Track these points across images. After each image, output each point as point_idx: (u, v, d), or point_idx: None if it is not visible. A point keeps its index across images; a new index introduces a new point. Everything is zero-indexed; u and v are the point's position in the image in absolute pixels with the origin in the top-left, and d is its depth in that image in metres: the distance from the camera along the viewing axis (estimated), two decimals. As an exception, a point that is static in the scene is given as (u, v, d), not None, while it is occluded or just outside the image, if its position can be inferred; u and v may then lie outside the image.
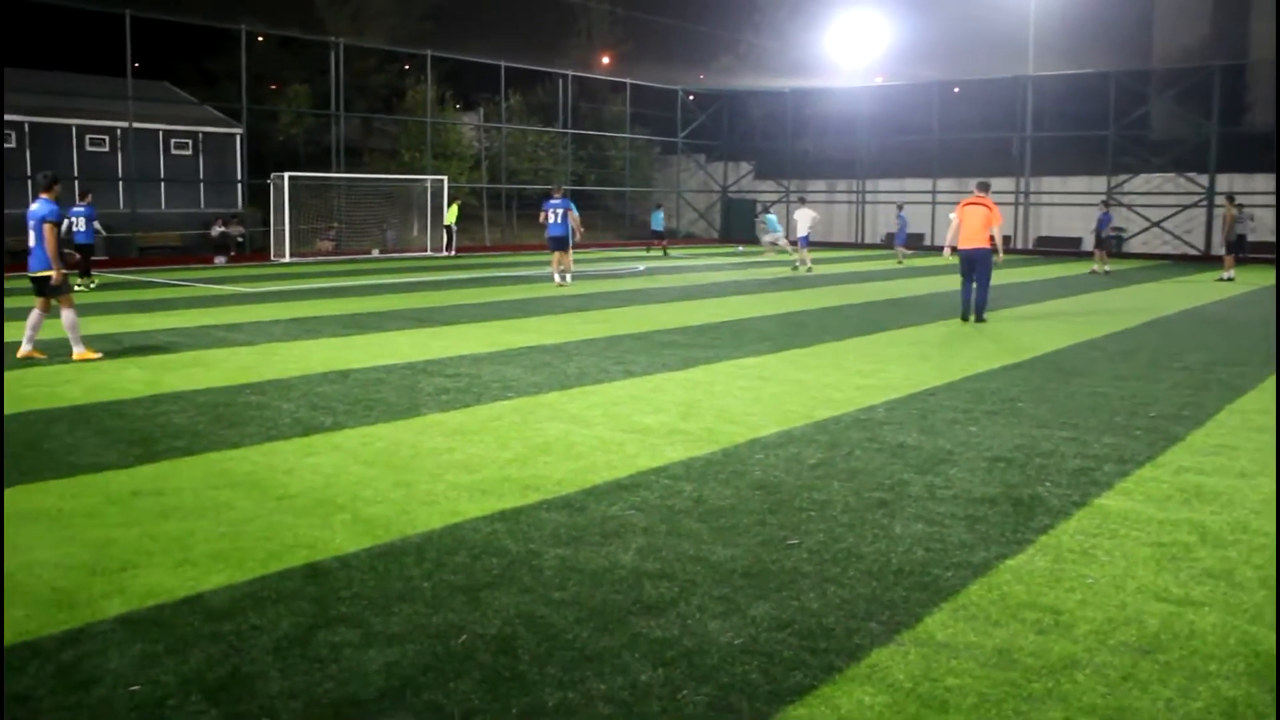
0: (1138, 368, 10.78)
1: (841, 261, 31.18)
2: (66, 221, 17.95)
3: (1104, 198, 31.20)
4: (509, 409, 8.39)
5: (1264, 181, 33.64)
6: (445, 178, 34.81)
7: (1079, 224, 35.83)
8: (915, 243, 37.45)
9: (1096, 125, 37.10)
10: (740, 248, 37.84)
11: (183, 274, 24.34)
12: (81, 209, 19.74)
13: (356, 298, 18.23)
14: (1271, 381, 9.88)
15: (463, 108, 44.17)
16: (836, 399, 8.91)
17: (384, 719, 3.35)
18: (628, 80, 43.73)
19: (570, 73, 41.50)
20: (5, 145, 27.01)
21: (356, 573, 4.64)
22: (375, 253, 32.91)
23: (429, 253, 33.57)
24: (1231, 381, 9.92)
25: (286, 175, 29.96)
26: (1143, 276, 25.98)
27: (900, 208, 32.36)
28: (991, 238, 14.72)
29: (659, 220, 34.89)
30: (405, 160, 37.92)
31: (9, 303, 14.69)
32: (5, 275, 15.50)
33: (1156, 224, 35.96)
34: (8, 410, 8.07)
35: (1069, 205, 37.42)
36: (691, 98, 47.04)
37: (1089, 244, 29.15)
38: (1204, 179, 35.26)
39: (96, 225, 20.56)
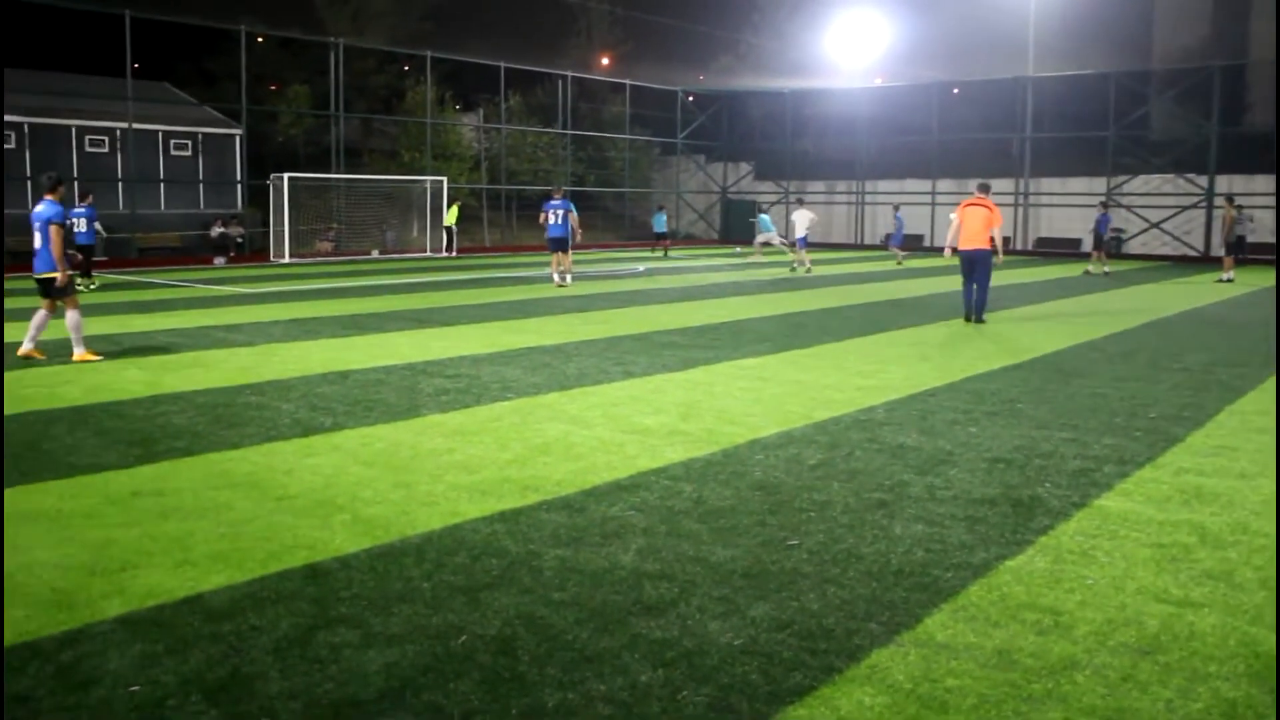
0: (1137, 369, 10.78)
1: (841, 262, 31.18)
2: (69, 223, 17.94)
3: (1103, 199, 31.20)
4: (509, 410, 8.39)
5: (1264, 182, 33.64)
6: (445, 178, 34.81)
7: (1079, 225, 35.81)
8: (914, 244, 37.49)
9: (1096, 126, 37.10)
10: (739, 249, 37.84)
11: (182, 275, 24.34)
12: (82, 210, 19.73)
13: (356, 298, 18.23)
14: (1271, 383, 9.88)
15: (462, 108, 44.16)
16: (836, 400, 8.91)
17: (384, 719, 3.36)
18: (627, 81, 43.73)
19: (570, 73, 41.50)
20: (5, 146, 27.00)
21: (356, 573, 4.64)
22: (375, 254, 32.91)
23: (429, 253, 33.57)
24: (1231, 383, 9.92)
25: (286, 176, 29.96)
26: (1142, 277, 25.99)
27: (897, 208, 32.38)
28: (992, 239, 14.75)
29: (661, 222, 34.90)
30: (405, 161, 37.92)
31: (9, 303, 14.69)
32: (5, 275, 15.50)
33: (1156, 225, 35.97)
34: (7, 411, 8.07)
35: (1069, 206, 37.43)
36: (691, 98, 47.05)
37: (1088, 245, 29.13)
38: (1204, 180, 35.27)
39: (97, 226, 20.56)
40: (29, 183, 27.13)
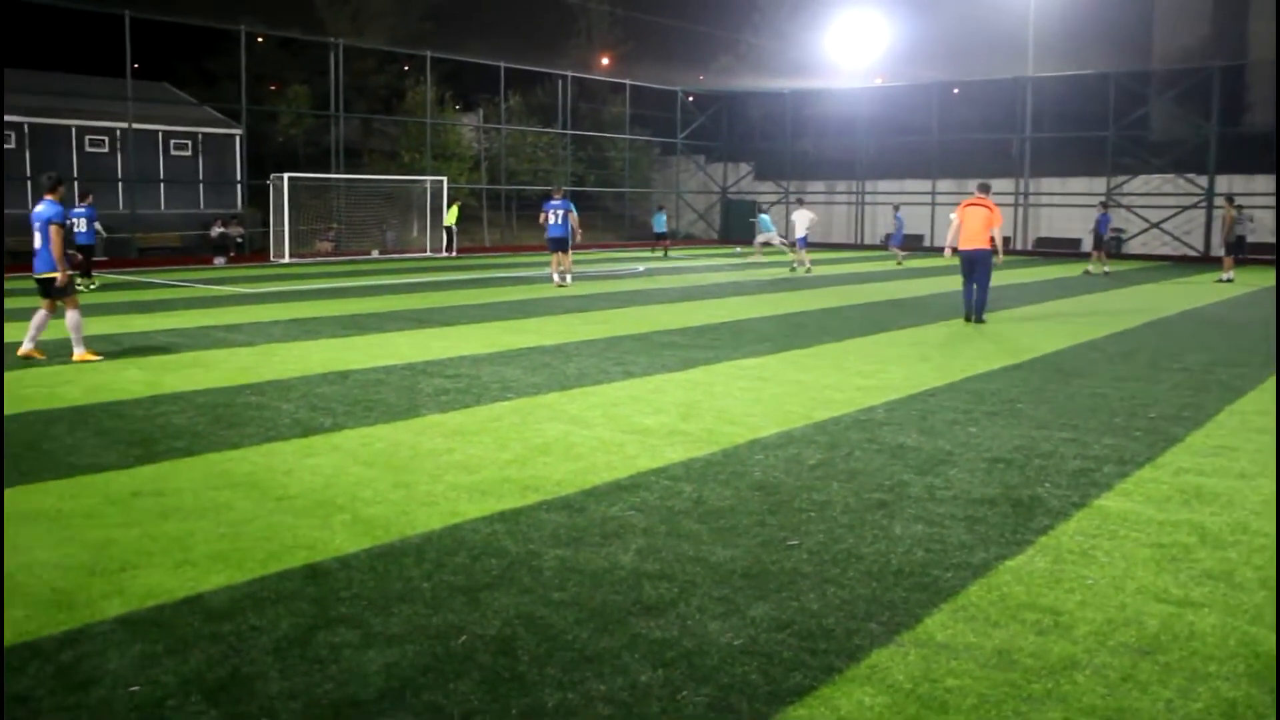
0: (1137, 369, 10.78)
1: (841, 262, 31.19)
2: (69, 223, 17.93)
3: (1103, 199, 31.20)
4: (508, 410, 8.39)
5: (1264, 182, 33.64)
6: (445, 179, 34.81)
7: (1079, 225, 35.82)
8: (915, 243, 37.49)
9: (1096, 126, 37.10)
10: (739, 249, 37.86)
11: (182, 275, 24.34)
12: (82, 210, 19.74)
13: (356, 298, 18.23)
14: (1271, 383, 9.88)
15: (462, 108, 44.16)
16: (836, 400, 8.91)
17: (384, 719, 3.35)
18: (627, 81, 43.73)
19: (570, 73, 41.49)
20: (5, 146, 27.00)
21: (356, 573, 4.64)
22: (375, 254, 32.91)
23: (428, 253, 33.57)
24: (1231, 383, 9.92)
25: (286, 176, 29.96)
26: (1142, 277, 25.99)
27: (897, 208, 32.40)
28: (992, 239, 14.76)
29: (661, 222, 34.91)
30: (405, 161, 37.92)
31: (8, 303, 14.69)
32: (5, 275, 15.50)
33: (1156, 225, 35.97)
34: (7, 411, 8.07)
35: (1068, 206, 37.43)
36: (691, 99, 47.05)
37: (1089, 245, 29.13)
38: (1203, 180, 35.27)
39: (97, 226, 20.56)
40: (29, 183, 27.13)
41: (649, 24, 60.69)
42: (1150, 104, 38.16)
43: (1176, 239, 35.56)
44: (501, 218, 40.84)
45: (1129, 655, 3.86)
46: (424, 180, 34.53)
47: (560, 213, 21.19)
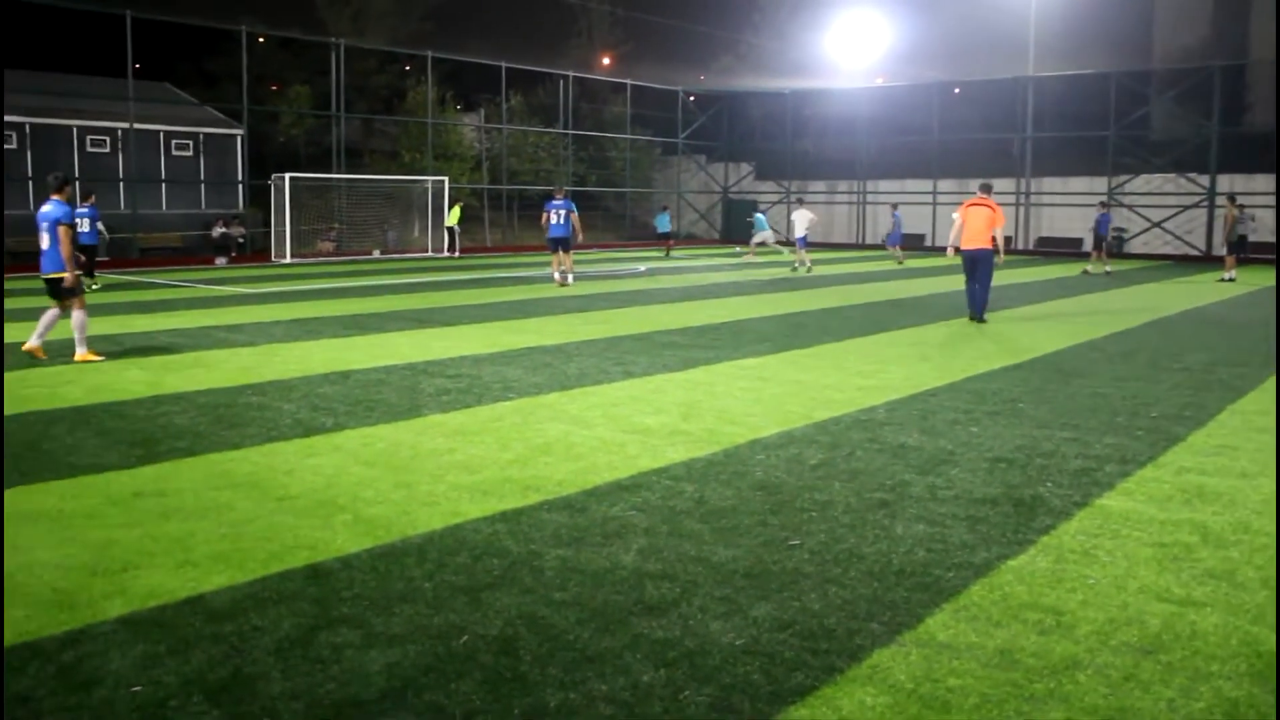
0: (1138, 368, 10.78)
1: (842, 262, 31.18)
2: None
3: (1103, 198, 31.19)
4: (510, 410, 8.39)
5: (1265, 182, 33.63)
6: (446, 179, 34.81)
7: (1080, 225, 35.83)
8: (915, 243, 37.48)
9: (1097, 126, 37.09)
10: (738, 249, 37.87)
11: (184, 275, 24.35)
12: (85, 210, 19.73)
13: (357, 299, 18.24)
14: (1272, 382, 9.88)
15: (463, 109, 44.17)
16: (837, 400, 8.91)
17: (385, 719, 3.36)
18: (628, 81, 43.73)
19: (571, 73, 41.50)
20: (6, 146, 27.01)
21: (358, 573, 4.64)
22: (376, 254, 32.91)
23: (430, 254, 33.58)
24: (1232, 382, 9.92)
25: (287, 176, 29.97)
26: (1143, 277, 25.98)
27: (895, 208, 32.40)
28: (994, 238, 14.78)
29: (665, 222, 34.88)
30: (406, 161, 37.92)
31: (9, 304, 14.69)
32: (5, 276, 15.51)
33: (1157, 224, 35.96)
34: (8, 411, 8.08)
35: (1069, 206, 37.42)
36: (692, 98, 47.05)
37: (1089, 245, 29.13)
38: (1205, 179, 35.26)
39: (100, 226, 20.56)
40: (30, 183, 27.14)
41: (650, 24, 60.72)
42: (1151, 103, 38.15)
43: (1178, 238, 35.55)
44: (503, 218, 40.84)
45: (1131, 655, 3.86)
46: (425, 180, 34.53)
47: (563, 213, 21.21)
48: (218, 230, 29.87)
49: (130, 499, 5.78)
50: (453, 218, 33.93)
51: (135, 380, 9.65)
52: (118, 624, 4.06)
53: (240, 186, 32.91)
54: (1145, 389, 9.50)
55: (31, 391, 9.02)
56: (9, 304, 14.86)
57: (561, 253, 21.38)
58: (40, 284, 11.19)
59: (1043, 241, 38.36)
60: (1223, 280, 23.99)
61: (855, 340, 12.92)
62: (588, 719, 3.35)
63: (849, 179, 43.38)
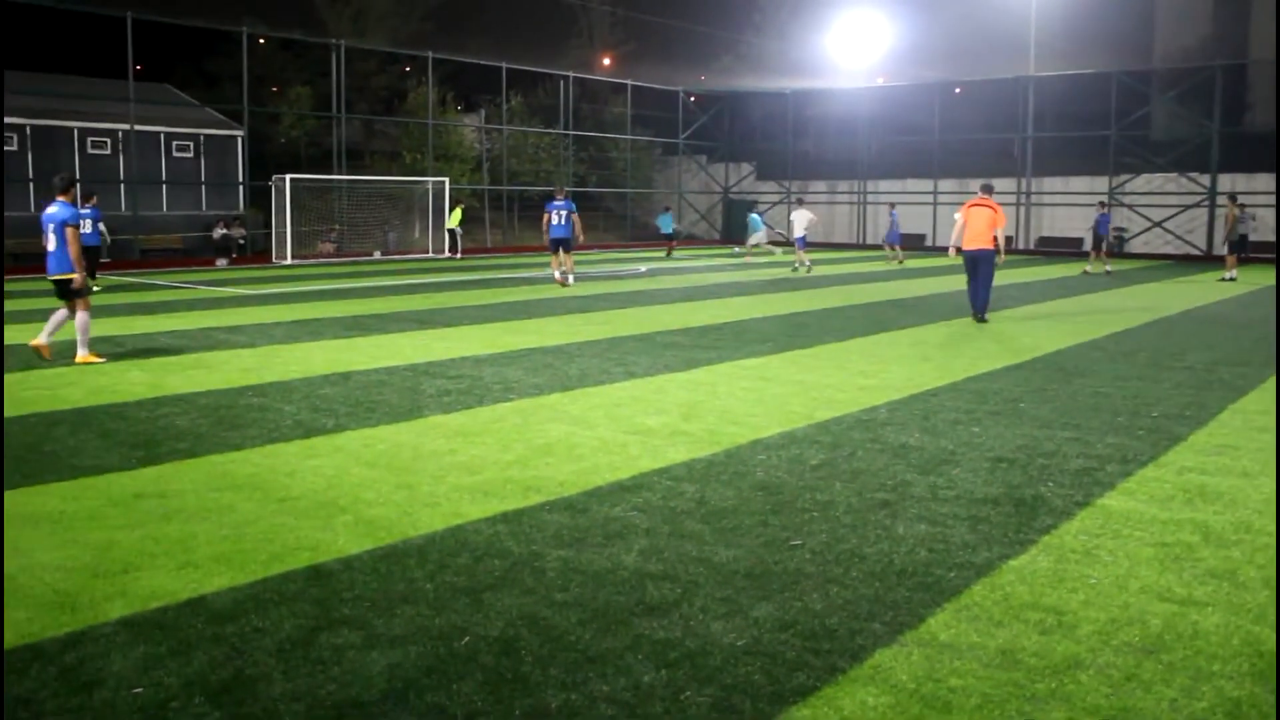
0: (1140, 368, 10.77)
1: (842, 262, 31.18)
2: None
3: (1103, 198, 31.17)
4: (511, 410, 8.39)
5: (1265, 181, 33.62)
6: (447, 179, 34.82)
7: (1080, 224, 35.80)
8: (916, 243, 37.46)
9: (1098, 125, 37.08)
10: (737, 249, 37.87)
11: (184, 276, 24.35)
12: (87, 211, 19.69)
13: (358, 300, 18.24)
14: (1273, 382, 9.87)
15: (464, 109, 44.18)
16: (838, 400, 8.91)
17: (387, 721, 3.35)
18: (628, 81, 43.73)
19: (571, 74, 41.49)
20: (6, 148, 27.01)
21: (359, 574, 4.64)
22: (377, 255, 32.92)
23: (430, 254, 33.59)
24: (1234, 381, 9.91)
25: (288, 177, 30.00)
26: (1144, 276, 25.97)
27: (893, 207, 32.41)
28: (995, 239, 14.79)
29: (668, 222, 34.88)
30: (407, 162, 37.93)
31: (9, 305, 14.70)
32: (5, 277, 15.52)
33: (1158, 224, 35.96)
34: (9, 412, 8.08)
35: (1070, 206, 37.42)
36: (692, 99, 47.04)
37: (1090, 244, 29.12)
38: (1205, 179, 35.25)
39: (101, 228, 20.56)
40: (31, 185, 27.15)
41: (650, 24, 60.73)
42: (1152, 103, 38.13)
43: (1179, 238, 35.55)
44: (503, 218, 40.84)
45: (1132, 654, 3.85)
46: (426, 181, 34.54)
47: (564, 213, 21.23)
48: (218, 231, 29.88)
49: (131, 500, 5.79)
50: (454, 220, 33.93)
51: (136, 382, 9.65)
52: (119, 625, 4.06)
53: (241, 188, 32.92)
54: (1146, 388, 9.50)
55: (33, 393, 9.02)
56: (10, 306, 14.89)
57: (562, 253, 21.40)
58: (42, 286, 11.19)
59: (1043, 241, 38.35)
60: (1224, 280, 23.98)
61: (856, 340, 12.92)
62: (589, 720, 3.35)
63: (850, 179, 43.37)
